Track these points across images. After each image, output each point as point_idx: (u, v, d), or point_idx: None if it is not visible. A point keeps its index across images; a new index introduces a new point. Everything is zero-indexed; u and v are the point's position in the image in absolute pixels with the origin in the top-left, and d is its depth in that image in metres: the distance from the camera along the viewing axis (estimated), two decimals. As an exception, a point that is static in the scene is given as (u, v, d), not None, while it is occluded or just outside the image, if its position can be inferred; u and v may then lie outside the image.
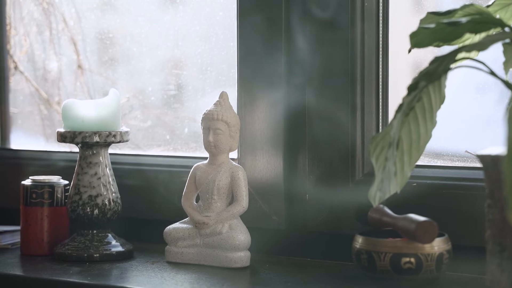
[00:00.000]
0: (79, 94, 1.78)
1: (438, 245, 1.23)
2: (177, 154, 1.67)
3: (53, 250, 1.49)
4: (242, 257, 1.38)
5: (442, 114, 1.15)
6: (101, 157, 1.48)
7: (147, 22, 1.74)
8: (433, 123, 1.14)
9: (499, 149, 1.05)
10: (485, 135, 1.41)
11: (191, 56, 1.69)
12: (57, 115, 1.81)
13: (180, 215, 1.45)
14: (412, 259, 1.22)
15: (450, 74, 1.11)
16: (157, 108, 1.73)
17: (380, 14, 1.42)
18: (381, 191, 1.12)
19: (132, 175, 1.62)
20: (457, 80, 1.39)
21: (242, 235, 1.38)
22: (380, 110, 1.43)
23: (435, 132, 1.14)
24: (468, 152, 1.37)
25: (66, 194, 1.52)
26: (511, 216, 0.88)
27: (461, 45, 1.16)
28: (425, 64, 1.09)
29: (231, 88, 1.51)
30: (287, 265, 1.42)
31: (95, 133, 1.46)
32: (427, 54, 1.39)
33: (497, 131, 1.37)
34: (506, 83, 1.08)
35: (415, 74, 1.09)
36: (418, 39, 1.11)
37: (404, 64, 1.48)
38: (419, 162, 1.16)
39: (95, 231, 1.48)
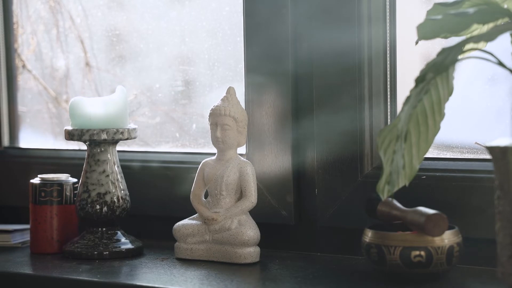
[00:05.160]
0: (87, 92, 1.78)
1: (448, 238, 1.22)
2: (186, 151, 1.67)
3: (62, 248, 1.49)
4: (252, 252, 1.38)
5: (451, 106, 1.14)
6: (109, 155, 1.48)
7: (154, 18, 1.73)
8: (442, 115, 1.13)
9: (508, 141, 1.04)
10: (495, 126, 1.40)
11: (198, 52, 1.69)
12: (66, 113, 1.81)
13: (189, 211, 1.44)
14: (422, 252, 1.21)
15: (460, 66, 1.11)
16: (165, 104, 1.73)
17: (387, 5, 1.41)
18: (389, 184, 1.12)
19: (140, 172, 1.61)
20: (467, 71, 1.38)
21: (251, 231, 1.38)
22: (389, 103, 1.42)
23: (444, 124, 1.14)
24: (478, 143, 1.36)
25: (75, 192, 1.51)
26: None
27: (468, 36, 1.16)
28: (433, 55, 1.08)
29: (238, 84, 1.51)
30: (297, 260, 1.41)
31: (102, 130, 1.46)
32: (435, 46, 1.38)
33: (508, 123, 1.36)
34: (514, 73, 1.07)
35: (423, 65, 1.09)
36: (425, 31, 1.11)
37: (412, 56, 1.47)
38: (428, 155, 1.16)
39: (104, 229, 1.48)
